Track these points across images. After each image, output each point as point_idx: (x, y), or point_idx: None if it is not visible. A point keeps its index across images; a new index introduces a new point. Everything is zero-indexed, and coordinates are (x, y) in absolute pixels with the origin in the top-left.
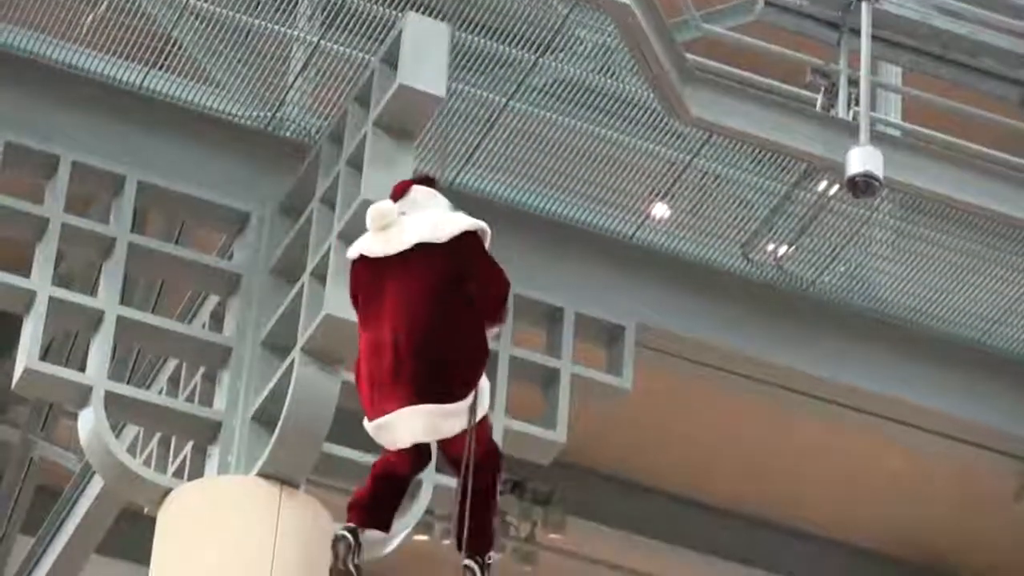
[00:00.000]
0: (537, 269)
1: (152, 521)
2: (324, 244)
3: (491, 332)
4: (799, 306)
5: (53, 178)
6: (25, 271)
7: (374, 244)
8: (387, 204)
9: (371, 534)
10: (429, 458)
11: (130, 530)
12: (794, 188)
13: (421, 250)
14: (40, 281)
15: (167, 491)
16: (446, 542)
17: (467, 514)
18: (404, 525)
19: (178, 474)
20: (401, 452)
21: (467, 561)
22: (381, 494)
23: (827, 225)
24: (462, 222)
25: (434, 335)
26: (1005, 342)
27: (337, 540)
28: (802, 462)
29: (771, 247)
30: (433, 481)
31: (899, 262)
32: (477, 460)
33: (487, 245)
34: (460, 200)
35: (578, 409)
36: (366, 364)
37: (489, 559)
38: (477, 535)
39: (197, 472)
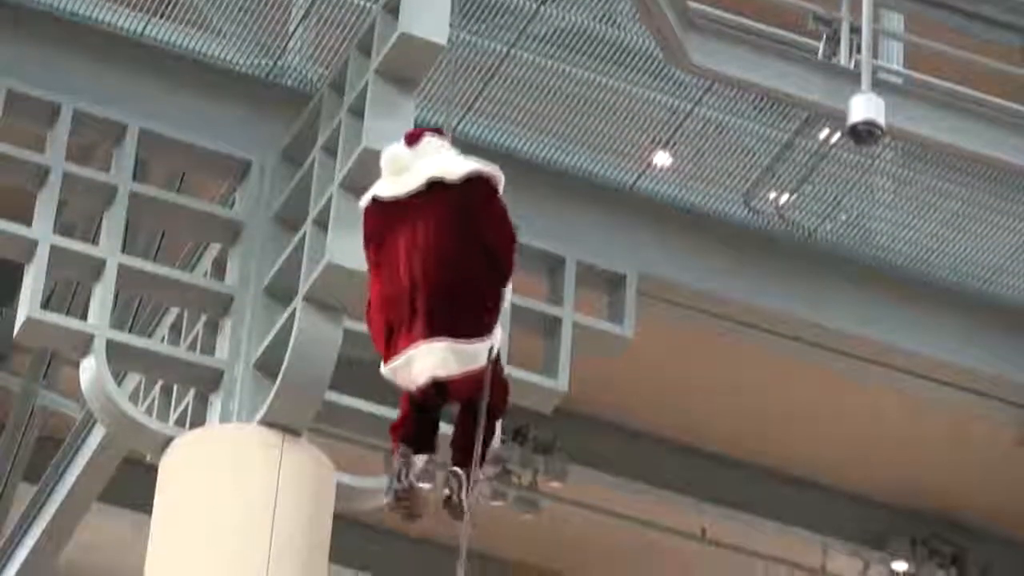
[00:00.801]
0: (539, 218)
1: (154, 469)
2: (326, 192)
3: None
4: (800, 254)
5: (54, 126)
6: (27, 220)
7: (386, 187)
8: (401, 148)
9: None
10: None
11: (132, 478)
12: (796, 136)
13: (434, 190)
14: (42, 230)
15: (169, 439)
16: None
17: (473, 445)
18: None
19: (180, 422)
20: (418, 392)
21: (455, 468)
22: (413, 417)
23: (829, 173)
24: (475, 164)
25: (450, 270)
26: (1006, 290)
27: (392, 456)
28: (802, 410)
29: (773, 195)
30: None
31: (900, 210)
32: (490, 404)
33: (500, 191)
34: (461, 149)
35: (579, 357)
36: (382, 310)
37: (479, 475)
38: (468, 452)
39: (199, 420)
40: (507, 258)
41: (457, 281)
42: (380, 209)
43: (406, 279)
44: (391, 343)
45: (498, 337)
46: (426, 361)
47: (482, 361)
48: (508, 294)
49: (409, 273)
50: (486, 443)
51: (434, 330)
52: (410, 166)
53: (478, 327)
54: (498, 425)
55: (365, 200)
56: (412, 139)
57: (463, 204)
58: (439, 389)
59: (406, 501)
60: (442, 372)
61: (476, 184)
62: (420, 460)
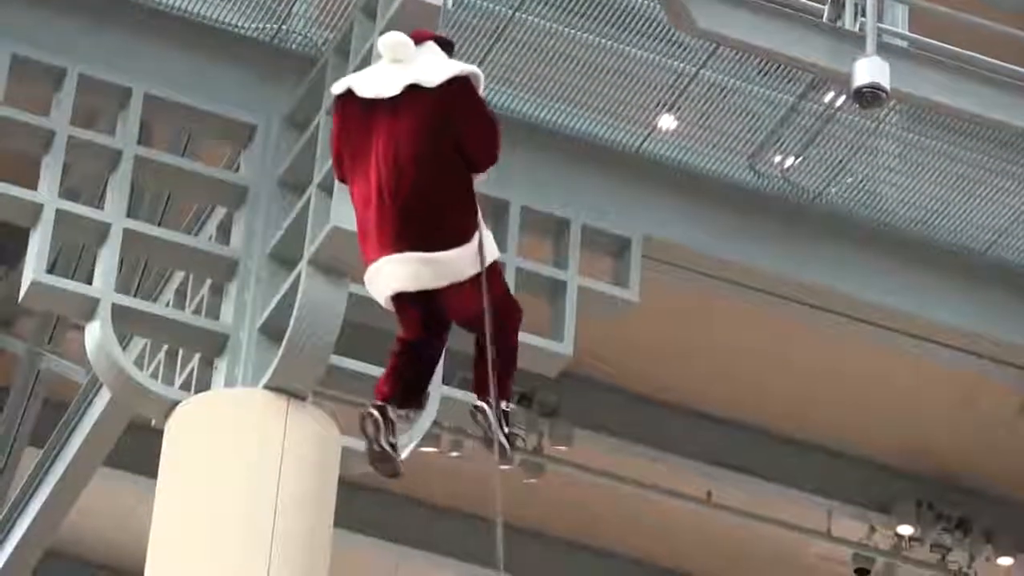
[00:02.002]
0: (544, 181)
1: (159, 434)
2: (330, 157)
3: (482, 176)
4: (805, 217)
5: (60, 91)
6: (32, 184)
7: (365, 84)
8: (405, 37)
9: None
10: (445, 327)
11: (137, 442)
12: (801, 99)
13: (411, 95)
14: (47, 194)
15: (174, 404)
16: (454, 454)
17: (487, 366)
18: (411, 438)
19: (185, 387)
20: (408, 319)
21: (478, 402)
22: (402, 367)
23: (834, 136)
24: (454, 67)
25: (418, 180)
26: (1011, 253)
27: (363, 418)
28: (807, 373)
29: (778, 159)
30: (440, 392)
31: (905, 173)
32: (493, 313)
33: (480, 90)
34: None
35: (584, 321)
36: (359, 217)
37: (506, 406)
38: (499, 385)
39: (204, 385)
40: (486, 152)
41: (427, 190)
42: (355, 105)
43: (375, 183)
44: (366, 251)
45: (491, 249)
46: (396, 272)
47: (468, 273)
48: (484, 178)
49: (378, 179)
50: (507, 370)
51: (404, 240)
52: (404, 58)
53: (453, 235)
54: (516, 349)
55: (340, 87)
56: (419, 38)
57: (438, 108)
58: (432, 313)
59: (383, 463)
60: (413, 285)
61: (455, 84)
62: (394, 415)
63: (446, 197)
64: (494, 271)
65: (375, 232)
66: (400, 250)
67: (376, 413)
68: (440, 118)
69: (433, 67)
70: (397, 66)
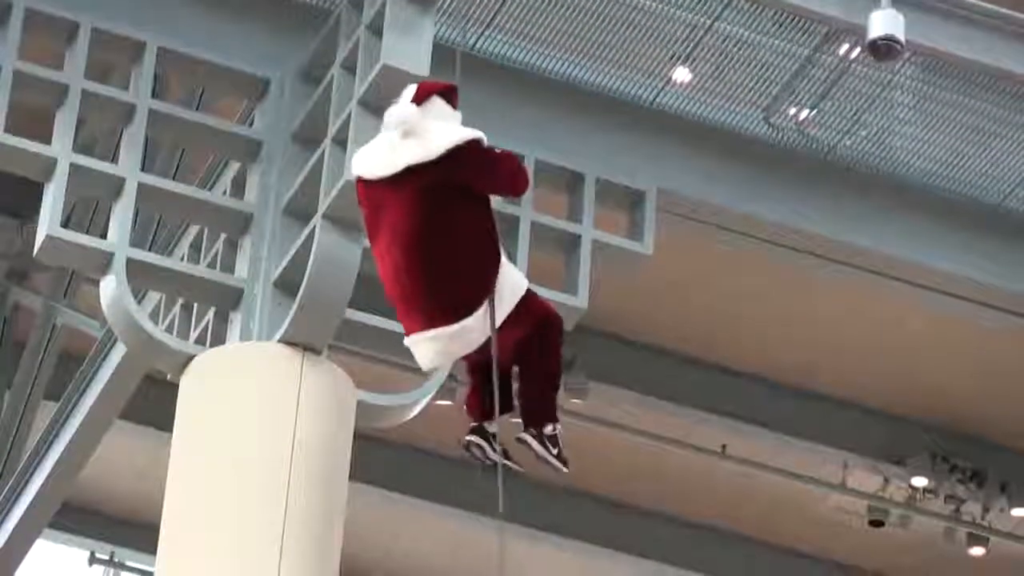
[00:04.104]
0: (558, 135)
1: (175, 387)
2: (345, 110)
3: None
4: (821, 170)
5: (73, 44)
6: (46, 138)
7: (370, 164)
8: (408, 109)
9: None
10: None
11: (153, 396)
12: (816, 52)
13: (411, 173)
14: (61, 148)
15: (189, 358)
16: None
17: (531, 404)
18: (426, 391)
19: (200, 341)
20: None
21: (522, 434)
22: (478, 384)
23: (849, 89)
24: (455, 135)
25: (430, 255)
26: None
27: (467, 447)
28: (823, 326)
29: (793, 111)
30: None
31: (921, 125)
32: (540, 336)
33: (483, 144)
34: (481, 66)
35: (599, 275)
36: (388, 292)
37: (551, 430)
38: (535, 408)
39: (219, 339)
40: (509, 190)
41: (440, 271)
42: (366, 186)
43: (391, 265)
44: (402, 319)
45: (517, 282)
46: (425, 351)
47: (483, 328)
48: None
49: (393, 261)
50: (554, 392)
51: (424, 322)
52: (415, 129)
53: (466, 306)
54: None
55: (352, 174)
56: (421, 96)
57: (440, 180)
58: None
59: (505, 469)
60: (445, 359)
61: (456, 155)
62: (492, 428)
63: (463, 261)
64: (529, 297)
65: (403, 307)
66: (423, 329)
67: (475, 438)
68: (442, 190)
69: (434, 139)
70: (400, 137)
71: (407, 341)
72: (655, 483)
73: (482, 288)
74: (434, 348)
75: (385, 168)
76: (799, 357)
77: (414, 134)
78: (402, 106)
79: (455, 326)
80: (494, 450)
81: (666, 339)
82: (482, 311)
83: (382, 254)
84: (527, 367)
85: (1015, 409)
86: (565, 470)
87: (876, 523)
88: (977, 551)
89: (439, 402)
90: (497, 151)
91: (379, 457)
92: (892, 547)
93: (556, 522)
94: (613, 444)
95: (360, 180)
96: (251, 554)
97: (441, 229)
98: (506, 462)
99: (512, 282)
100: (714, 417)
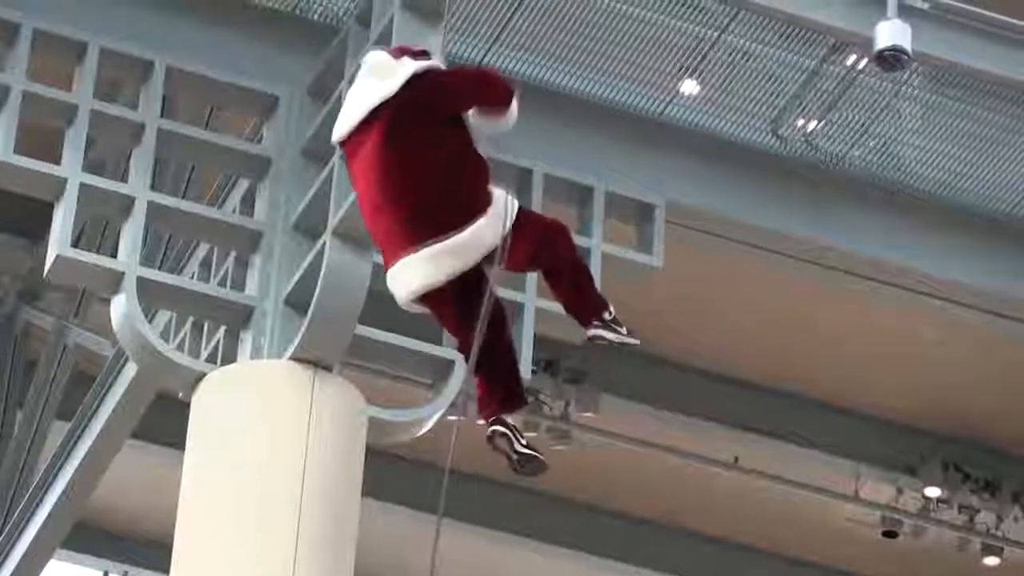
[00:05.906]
0: (567, 148)
1: (186, 406)
2: None
3: (503, 122)
4: (828, 181)
5: (82, 64)
6: (55, 158)
7: (344, 123)
8: (386, 55)
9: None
10: (478, 296)
11: (165, 415)
12: (823, 63)
13: (379, 110)
14: (71, 168)
15: (200, 376)
16: (480, 423)
17: (586, 296)
18: (437, 407)
19: (211, 359)
20: (444, 318)
21: (590, 332)
22: (483, 379)
23: (856, 100)
24: (409, 67)
25: (402, 188)
26: None
27: (492, 439)
28: (832, 336)
29: (800, 123)
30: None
31: (928, 135)
32: (549, 242)
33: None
34: None
35: (609, 287)
36: (371, 228)
37: (609, 315)
38: (584, 303)
39: (230, 357)
40: (488, 99)
41: (420, 192)
42: (345, 146)
43: (368, 207)
44: (387, 257)
45: (502, 208)
46: (411, 275)
47: (489, 238)
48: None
49: (370, 202)
50: (588, 280)
51: (411, 243)
52: (393, 73)
53: (459, 217)
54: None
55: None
56: (395, 55)
57: (407, 108)
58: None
59: (529, 464)
60: (434, 279)
61: (412, 85)
62: (511, 420)
63: (444, 181)
64: (526, 212)
65: (386, 244)
66: (410, 251)
67: (500, 428)
68: (408, 118)
69: (397, 76)
70: (372, 84)
71: (391, 271)
72: (668, 496)
73: (474, 202)
74: (425, 271)
75: (355, 117)
76: (810, 368)
77: (379, 75)
78: (375, 52)
79: (450, 240)
80: (519, 441)
81: (676, 351)
82: (478, 225)
83: (362, 202)
84: (553, 272)
85: (1019, 415)
86: (638, 342)
87: (890, 534)
88: (991, 561)
89: (451, 417)
90: (468, 69)
91: (391, 473)
92: (906, 557)
93: (572, 537)
94: (625, 458)
95: (342, 145)
96: (264, 572)
97: (412, 156)
98: (531, 451)
99: (505, 197)
100: (726, 428)
